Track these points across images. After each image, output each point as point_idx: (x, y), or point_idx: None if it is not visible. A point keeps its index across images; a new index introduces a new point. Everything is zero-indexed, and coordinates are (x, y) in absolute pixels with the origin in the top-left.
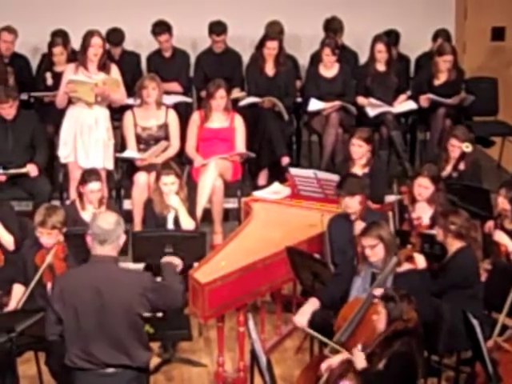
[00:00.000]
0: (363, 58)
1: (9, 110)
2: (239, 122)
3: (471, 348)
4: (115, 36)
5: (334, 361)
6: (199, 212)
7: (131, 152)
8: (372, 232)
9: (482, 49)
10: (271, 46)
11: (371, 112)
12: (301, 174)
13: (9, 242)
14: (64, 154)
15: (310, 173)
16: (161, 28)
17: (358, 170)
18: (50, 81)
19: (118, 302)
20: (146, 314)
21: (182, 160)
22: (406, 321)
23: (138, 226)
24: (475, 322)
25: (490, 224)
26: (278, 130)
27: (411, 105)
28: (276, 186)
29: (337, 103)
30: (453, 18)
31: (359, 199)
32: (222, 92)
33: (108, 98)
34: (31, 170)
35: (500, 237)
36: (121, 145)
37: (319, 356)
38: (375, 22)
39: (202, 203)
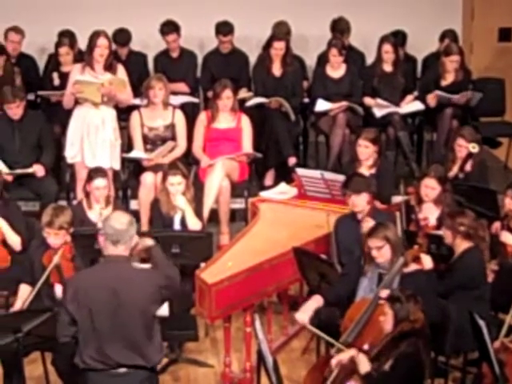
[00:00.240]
0: (370, 59)
1: (16, 110)
2: (246, 123)
3: (478, 349)
4: (122, 36)
5: (345, 356)
6: (206, 212)
7: (138, 152)
8: (378, 233)
9: (489, 49)
10: (278, 47)
11: (378, 112)
12: (307, 175)
13: (16, 242)
14: (71, 154)
15: (316, 173)
16: (169, 28)
17: (365, 170)
18: (56, 81)
19: (133, 302)
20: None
21: (188, 160)
22: (413, 321)
23: (144, 226)
24: (482, 323)
25: (496, 225)
26: (285, 130)
27: (418, 105)
28: (283, 186)
29: (344, 104)
30: (460, 19)
31: (366, 197)
32: (228, 92)
33: (114, 98)
34: (38, 170)
35: (507, 237)
36: (127, 145)
37: (326, 356)
38: (382, 22)
39: (208, 203)
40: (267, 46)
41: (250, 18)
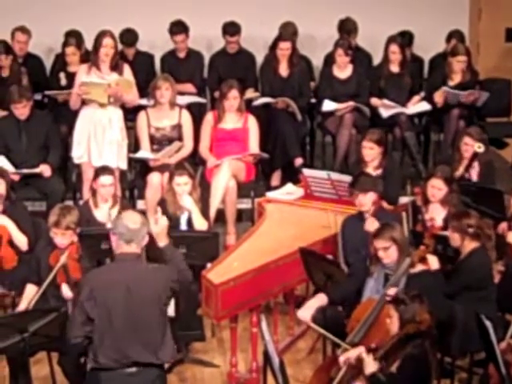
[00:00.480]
0: (377, 59)
1: (22, 110)
2: (253, 123)
3: (484, 349)
4: (129, 36)
5: (353, 354)
6: (212, 212)
7: (145, 152)
8: (385, 234)
9: (496, 50)
10: (284, 47)
11: (385, 113)
12: (314, 175)
13: (23, 242)
14: (77, 154)
15: (323, 174)
16: (178, 28)
17: (371, 171)
18: (63, 81)
19: (148, 299)
20: None
21: (195, 160)
22: (419, 323)
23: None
24: (488, 324)
25: (503, 226)
26: (292, 130)
27: (425, 106)
28: (289, 186)
29: (350, 104)
30: (467, 19)
31: (372, 196)
32: (234, 92)
33: (121, 98)
34: (44, 170)
35: None
36: (134, 145)
37: (332, 357)
38: (389, 23)
39: (215, 204)
40: (273, 46)
41: (257, 18)
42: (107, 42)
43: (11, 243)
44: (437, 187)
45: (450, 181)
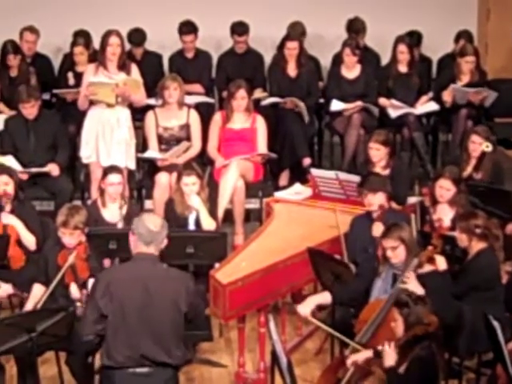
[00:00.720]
0: (385, 59)
1: (31, 110)
2: (261, 123)
3: (492, 350)
4: (137, 36)
5: (360, 357)
6: (220, 212)
7: (153, 152)
8: (393, 234)
9: (504, 50)
10: (291, 47)
11: (393, 113)
12: (322, 175)
13: (31, 242)
14: (86, 154)
15: (331, 174)
16: (188, 28)
17: (379, 171)
18: (71, 81)
19: (164, 299)
20: None
21: (203, 160)
22: (427, 325)
23: None
24: (496, 324)
25: (511, 226)
26: (300, 130)
27: (433, 106)
28: (297, 186)
29: (359, 104)
30: (475, 20)
31: (382, 196)
32: (242, 92)
33: (128, 98)
34: (53, 169)
35: None
36: (142, 145)
37: (340, 357)
38: (397, 23)
39: (223, 204)
40: (281, 46)
41: (265, 18)
42: (113, 40)
43: (19, 243)
44: (445, 188)
45: (458, 181)
